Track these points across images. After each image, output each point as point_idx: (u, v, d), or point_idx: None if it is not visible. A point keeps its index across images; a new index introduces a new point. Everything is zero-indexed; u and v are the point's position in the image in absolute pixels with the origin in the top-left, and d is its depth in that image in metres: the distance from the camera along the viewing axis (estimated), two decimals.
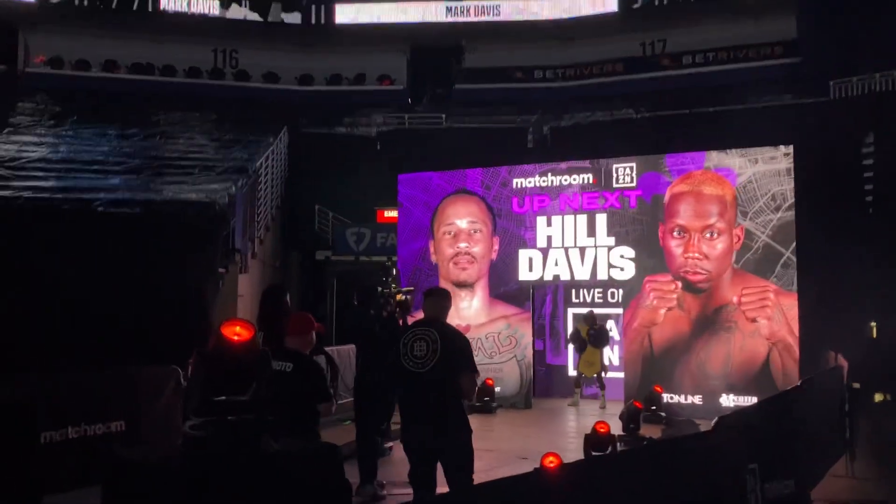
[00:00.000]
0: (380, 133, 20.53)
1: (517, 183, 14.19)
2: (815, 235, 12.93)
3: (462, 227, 14.29)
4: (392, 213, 16.49)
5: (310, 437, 4.71)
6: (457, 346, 5.15)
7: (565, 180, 13.85)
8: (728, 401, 11.99)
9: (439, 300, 5.41)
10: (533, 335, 14.21)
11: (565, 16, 23.71)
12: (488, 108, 21.74)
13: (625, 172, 13.36)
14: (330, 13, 25.02)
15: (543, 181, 14.02)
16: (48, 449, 6.32)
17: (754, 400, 11.39)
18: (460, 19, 24.64)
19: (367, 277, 16.52)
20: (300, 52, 24.37)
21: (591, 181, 13.64)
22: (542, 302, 15.27)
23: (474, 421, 5.63)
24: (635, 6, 23.11)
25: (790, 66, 20.51)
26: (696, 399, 12.31)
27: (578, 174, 13.79)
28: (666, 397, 12.27)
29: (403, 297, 7.84)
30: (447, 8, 24.82)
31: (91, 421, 6.83)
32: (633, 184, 13.31)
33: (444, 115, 21.52)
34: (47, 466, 6.00)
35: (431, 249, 14.45)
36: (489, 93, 22.84)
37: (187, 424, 3.41)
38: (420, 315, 5.70)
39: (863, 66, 17.80)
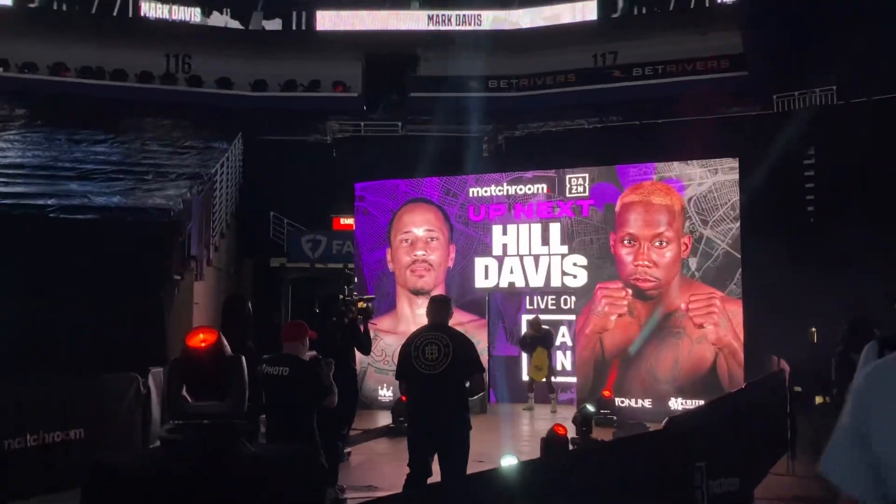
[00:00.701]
0: (335, 140, 20.59)
1: (473, 192, 14.40)
2: (759, 244, 13.42)
3: (419, 234, 14.44)
4: (348, 221, 16.57)
5: (309, 436, 4.99)
6: (467, 349, 5.59)
7: (520, 190, 14.11)
8: (677, 404, 12.34)
9: (443, 307, 5.81)
10: (488, 342, 14.41)
11: (546, 24, 24.19)
12: (443, 116, 21.97)
13: (577, 182, 13.67)
14: (311, 20, 25.09)
15: (499, 190, 14.26)
16: (9, 456, 6.29)
17: (702, 403, 11.79)
18: (442, 28, 24.96)
19: (322, 285, 16.61)
20: (254, 58, 24.32)
21: (545, 191, 13.93)
22: (517, 308, 15.38)
23: None
24: (614, 16, 23.70)
25: (737, 80, 21.20)
26: (647, 403, 12.65)
27: (533, 184, 14.07)
28: (617, 401, 12.59)
29: (365, 305, 8.02)
30: (428, 16, 25.11)
31: (50, 429, 6.80)
32: (586, 193, 13.63)
33: (399, 123, 21.68)
34: (9, 474, 5.98)
35: (388, 257, 14.56)
36: (444, 101, 23.07)
37: (164, 428, 3.50)
38: (381, 320, 5.92)
39: (803, 80, 18.49)
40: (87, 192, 13.79)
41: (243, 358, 3.79)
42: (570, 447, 8.84)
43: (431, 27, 25.10)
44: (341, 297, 8.10)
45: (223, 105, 22.54)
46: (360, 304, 7.98)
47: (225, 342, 3.68)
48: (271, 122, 21.29)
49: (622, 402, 12.67)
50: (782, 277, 13.99)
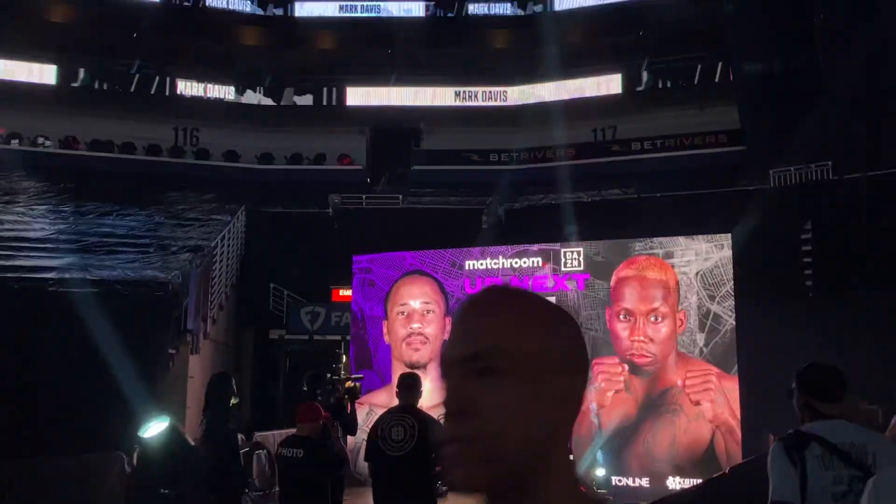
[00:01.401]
0: (337, 212, 20.83)
1: (469, 265, 14.50)
2: (757, 320, 13.38)
3: (415, 307, 14.47)
4: (347, 293, 16.64)
5: None
6: (434, 431, 5.48)
7: (515, 263, 14.20)
8: (675, 483, 12.13)
9: (411, 388, 5.84)
10: None
11: (570, 97, 24.71)
12: (444, 189, 22.27)
13: (572, 256, 13.76)
14: (341, 95, 25.79)
15: (494, 264, 14.36)
16: None
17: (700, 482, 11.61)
18: (469, 104, 25.60)
19: (317, 358, 16.58)
20: (260, 132, 24.86)
21: (540, 264, 14.00)
22: None
23: None
24: (639, 89, 24.22)
25: (734, 154, 21.45)
26: (644, 482, 12.44)
27: (528, 257, 14.16)
28: (614, 480, 12.38)
29: (352, 384, 8.03)
30: (455, 93, 25.77)
31: None
32: (581, 267, 13.70)
33: (400, 196, 21.96)
34: None
35: (385, 330, 14.57)
36: (446, 174, 23.42)
37: None
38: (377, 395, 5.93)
39: (798, 156, 18.70)
40: (87, 265, 13.96)
41: (195, 448, 3.83)
42: None
43: (458, 104, 25.75)
44: (328, 375, 8.12)
45: (229, 178, 22.93)
46: (348, 384, 8.00)
47: (181, 431, 3.72)
48: (275, 194, 21.61)
49: (619, 480, 12.46)
50: (780, 354, 13.87)
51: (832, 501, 3.07)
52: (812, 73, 19.36)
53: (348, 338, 15.71)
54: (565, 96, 25.04)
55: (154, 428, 3.55)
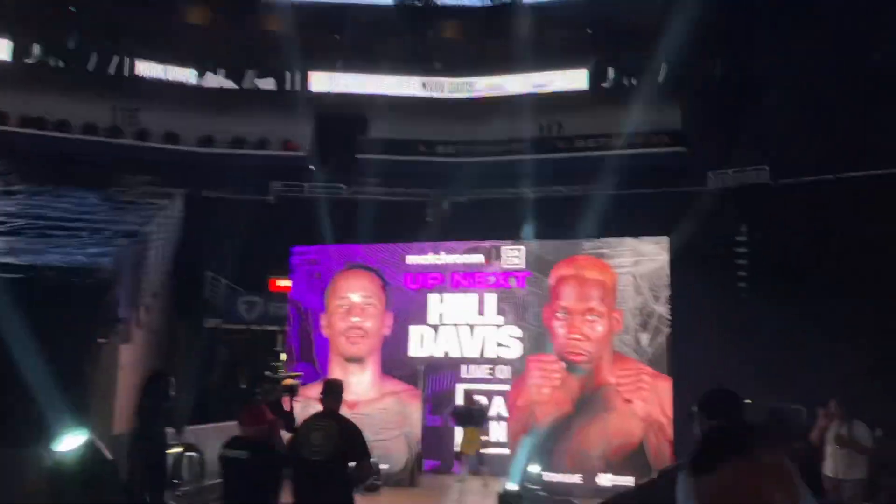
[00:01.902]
0: (278, 200, 20.51)
1: (411, 260, 14.44)
2: (692, 322, 13.67)
3: (355, 301, 14.36)
4: (285, 283, 16.41)
5: None
6: (353, 436, 5.64)
7: (458, 259, 14.20)
8: (606, 480, 12.33)
9: (335, 394, 5.89)
10: (422, 411, 14.25)
11: (536, 91, 24.67)
12: (389, 179, 22.13)
13: (512, 254, 13.82)
14: (305, 81, 25.31)
15: (437, 259, 14.33)
16: None
17: (631, 479, 11.81)
18: (419, 94, 25.35)
19: (254, 349, 16.38)
20: (202, 114, 24.31)
21: (482, 261, 14.03)
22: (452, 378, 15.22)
23: (357, 499, 5.86)
24: (604, 84, 24.29)
25: (676, 156, 21.83)
26: (577, 478, 12.60)
27: (470, 254, 14.17)
28: (547, 476, 12.51)
29: (292, 382, 8.10)
30: (422, 83, 25.51)
31: None
32: (522, 265, 13.78)
33: (343, 186, 21.74)
34: None
35: (323, 323, 14.42)
36: (392, 165, 23.28)
37: None
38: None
39: (737, 159, 19.12)
40: (15, 248, 13.45)
41: (114, 463, 3.72)
42: None
43: (425, 94, 25.54)
44: (267, 373, 8.11)
45: (167, 160, 22.38)
46: (287, 382, 8.16)
47: (98, 444, 3.61)
48: (215, 179, 21.16)
49: (552, 476, 12.59)
50: (713, 354, 14.19)
51: None
52: (751, 80, 19.78)
53: (286, 329, 15.53)
54: (531, 90, 25.02)
55: (70, 441, 3.42)
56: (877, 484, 11.55)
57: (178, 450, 8.20)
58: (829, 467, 8.52)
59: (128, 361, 13.09)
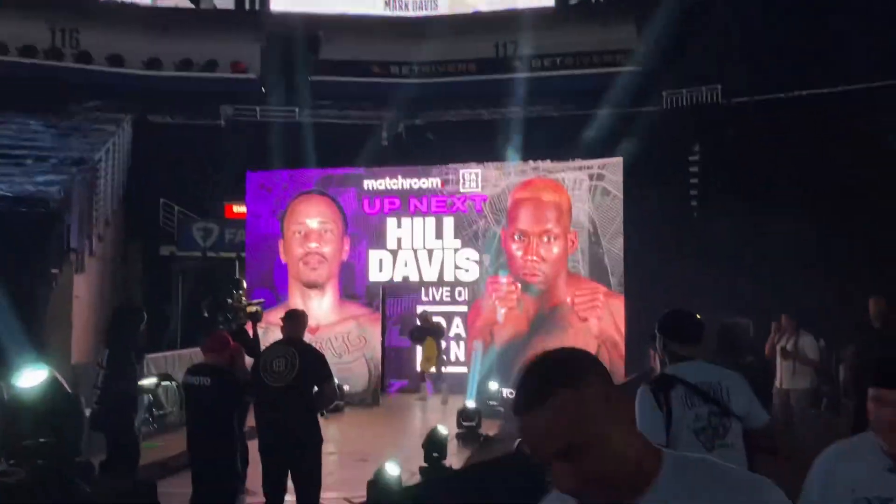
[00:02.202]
0: (230, 124, 20.05)
1: (368, 184, 14.38)
2: (643, 238, 13.95)
3: (312, 227, 14.32)
4: (241, 209, 16.25)
5: (230, 442, 5.46)
6: (315, 361, 5.70)
7: (415, 184, 14.18)
8: None
9: (297, 322, 5.93)
10: (382, 334, 14.45)
11: (503, 7, 23.93)
12: (343, 102, 21.74)
13: (470, 178, 13.84)
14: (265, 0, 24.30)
15: (394, 184, 14.29)
16: None
17: None
18: (399, 13, 24.48)
19: (211, 276, 16.26)
20: (148, 35, 23.37)
21: (439, 185, 14.03)
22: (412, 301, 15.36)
23: (321, 421, 5.98)
24: (571, 2, 23.71)
25: (630, 75, 21.73)
26: None
27: (427, 178, 14.15)
28: (506, 392, 12.87)
29: (254, 309, 8.12)
30: (385, 2, 24.63)
31: None
32: (479, 188, 13.82)
33: (297, 109, 21.31)
34: None
35: (281, 249, 14.39)
36: (345, 86, 22.82)
37: None
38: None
39: (691, 78, 19.17)
40: None
41: (80, 397, 3.74)
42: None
43: (388, 12, 24.68)
44: (229, 301, 8.06)
45: (113, 84, 21.59)
46: (249, 309, 8.11)
47: (60, 379, 3.62)
48: (164, 103, 20.56)
49: (511, 393, 12.93)
50: (665, 271, 14.55)
51: (693, 435, 3.38)
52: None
53: (243, 255, 15.46)
54: (499, 6, 24.33)
55: (31, 377, 3.42)
56: (819, 393, 12.16)
57: (153, 380, 8.24)
58: (777, 379, 8.93)
59: (82, 291, 12.96)
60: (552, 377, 1.34)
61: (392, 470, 6.53)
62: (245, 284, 9.11)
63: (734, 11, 18.73)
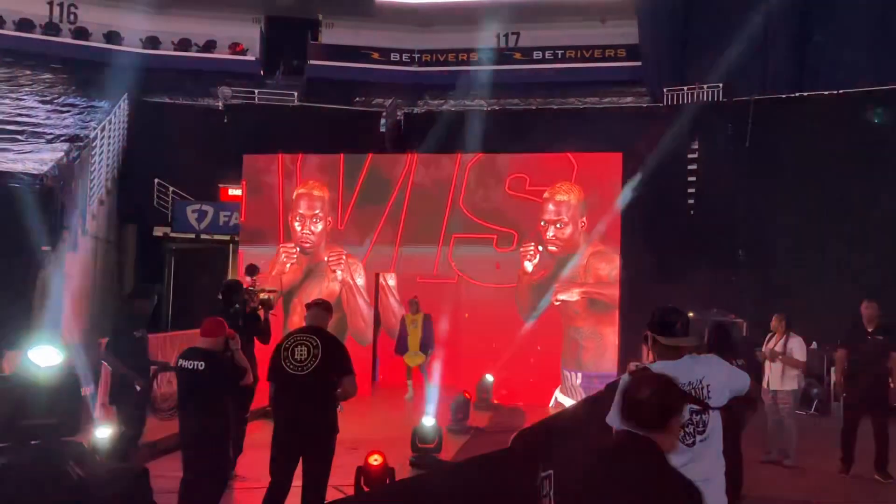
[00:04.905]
0: (227, 106, 19.90)
1: (372, 172, 14.32)
2: (641, 235, 13.95)
3: (307, 213, 14.23)
4: (236, 192, 16.15)
5: (222, 426, 5.47)
6: (337, 352, 5.66)
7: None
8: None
9: (320, 311, 5.87)
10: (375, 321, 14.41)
11: None
12: (342, 88, 21.61)
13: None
14: None
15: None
16: None
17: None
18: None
19: (204, 257, 16.22)
20: (147, 13, 23.14)
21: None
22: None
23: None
24: None
25: (631, 70, 21.69)
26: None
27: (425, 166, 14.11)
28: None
29: (267, 296, 8.29)
30: None
31: None
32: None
33: (295, 94, 21.17)
34: None
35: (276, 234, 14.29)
36: (344, 72, 22.68)
37: None
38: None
39: (692, 76, 19.12)
40: None
41: (79, 377, 3.69)
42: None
43: None
44: (246, 286, 8.37)
45: (110, 62, 21.36)
46: (262, 295, 8.40)
47: (73, 366, 3.57)
48: (161, 83, 20.38)
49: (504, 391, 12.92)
50: (660, 268, 14.54)
51: None
52: None
53: (237, 238, 15.37)
54: None
55: (45, 356, 3.36)
56: (808, 394, 12.20)
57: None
58: (765, 380, 8.93)
59: (74, 270, 12.87)
60: None
61: (375, 461, 6.56)
62: (259, 270, 9.49)
63: (738, 10, 18.68)
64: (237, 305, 7.75)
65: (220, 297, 7.85)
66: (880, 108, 15.51)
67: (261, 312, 8.10)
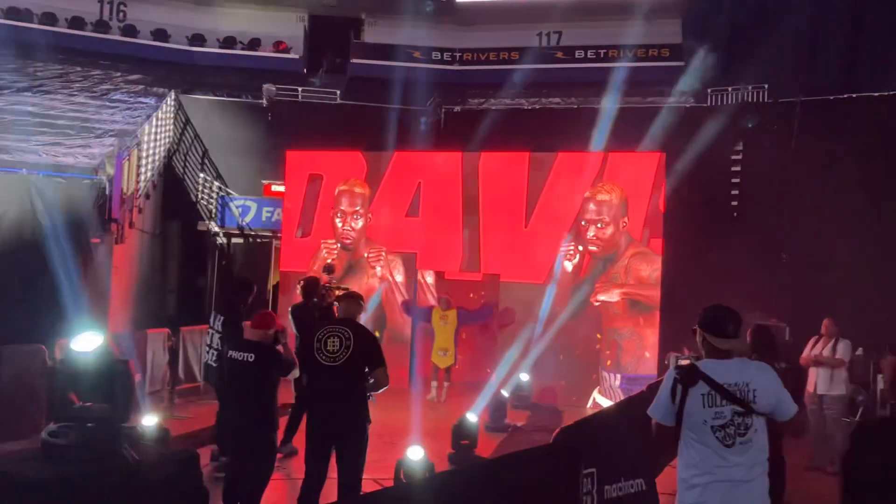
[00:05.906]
0: (271, 103, 20.14)
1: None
2: (683, 236, 13.80)
3: (348, 211, 14.37)
4: (279, 188, 16.35)
5: (270, 415, 5.58)
6: (369, 343, 5.74)
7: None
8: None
9: (353, 303, 6.00)
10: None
11: None
12: (384, 86, 21.70)
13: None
14: None
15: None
16: None
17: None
18: None
19: (248, 252, 16.43)
20: (193, 11, 23.53)
21: None
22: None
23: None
24: None
25: (675, 70, 21.43)
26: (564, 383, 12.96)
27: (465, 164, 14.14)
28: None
29: (342, 293, 8.59)
30: None
31: None
32: None
33: (338, 92, 21.34)
34: None
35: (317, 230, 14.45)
36: (386, 70, 22.77)
37: (46, 430, 3.46)
38: None
39: (738, 76, 18.84)
40: (4, 145, 13.28)
41: (130, 364, 3.79)
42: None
43: None
44: (323, 283, 9.17)
45: (157, 59, 21.78)
46: (337, 292, 8.73)
47: (112, 348, 3.67)
48: (207, 79, 20.71)
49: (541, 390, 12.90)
50: (704, 270, 14.37)
51: (711, 431, 3.47)
52: None
53: (279, 234, 15.56)
54: None
55: (86, 341, 3.46)
56: (854, 401, 11.97)
57: None
58: (811, 383, 8.80)
59: (122, 262, 13.15)
60: None
61: (415, 454, 6.60)
62: (335, 267, 10.15)
63: (783, 11, 18.38)
64: (315, 300, 8.24)
65: (300, 291, 8.40)
66: None
67: (335, 309, 8.43)
